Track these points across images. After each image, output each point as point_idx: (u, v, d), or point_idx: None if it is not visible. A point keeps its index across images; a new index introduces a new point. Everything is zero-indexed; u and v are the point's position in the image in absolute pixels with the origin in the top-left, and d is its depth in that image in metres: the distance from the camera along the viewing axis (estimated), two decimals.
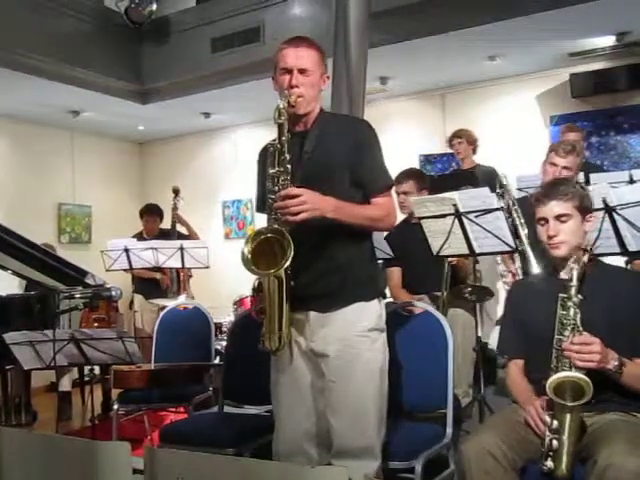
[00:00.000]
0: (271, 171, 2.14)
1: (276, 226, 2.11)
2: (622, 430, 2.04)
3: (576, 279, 2.12)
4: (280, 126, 2.13)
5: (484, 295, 3.81)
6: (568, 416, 2.02)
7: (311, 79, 2.24)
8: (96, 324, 4.81)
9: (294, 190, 2.07)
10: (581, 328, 2.09)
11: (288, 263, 2.04)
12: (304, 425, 2.28)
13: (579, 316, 2.10)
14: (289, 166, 2.12)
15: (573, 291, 2.11)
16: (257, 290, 2.25)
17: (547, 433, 2.06)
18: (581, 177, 3.72)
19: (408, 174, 4.04)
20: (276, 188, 2.11)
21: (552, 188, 2.33)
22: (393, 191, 2.39)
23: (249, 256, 2.08)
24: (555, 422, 2.04)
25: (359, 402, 2.20)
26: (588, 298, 2.17)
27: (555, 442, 2.03)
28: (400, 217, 4.09)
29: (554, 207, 2.26)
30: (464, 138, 5.40)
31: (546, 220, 2.29)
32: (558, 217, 2.26)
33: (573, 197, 2.26)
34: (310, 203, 2.06)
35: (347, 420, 2.19)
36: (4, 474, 1.56)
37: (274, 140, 2.16)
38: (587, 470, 1.98)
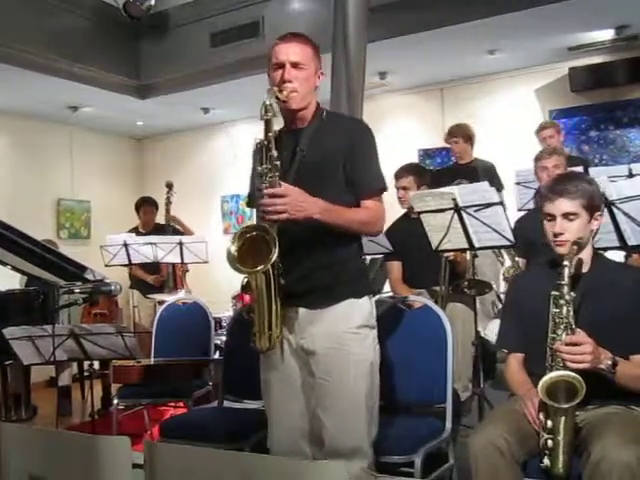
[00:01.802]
0: (259, 168, 2.11)
1: (261, 223, 2.08)
2: (615, 423, 2.04)
3: (567, 277, 2.10)
4: (267, 122, 2.10)
5: (483, 289, 3.81)
6: (562, 419, 2.01)
7: (305, 73, 2.20)
8: (99, 317, 4.82)
9: (279, 190, 2.03)
10: (574, 326, 2.07)
11: (273, 260, 2.01)
12: (298, 423, 2.26)
13: (572, 314, 2.08)
14: (277, 163, 2.08)
15: (565, 289, 2.09)
16: (245, 289, 2.24)
17: (542, 433, 2.06)
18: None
19: (407, 169, 4.01)
20: (263, 185, 2.08)
21: (561, 184, 2.27)
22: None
23: (235, 255, 2.04)
24: (549, 422, 2.03)
25: (350, 400, 2.17)
26: (588, 294, 2.16)
27: (550, 442, 2.02)
28: (400, 212, 4.09)
29: (562, 205, 2.22)
30: (459, 137, 5.23)
31: (553, 217, 2.24)
32: (565, 215, 2.22)
33: (582, 195, 2.21)
34: (295, 204, 2.02)
35: (338, 419, 2.16)
36: (4, 469, 1.56)
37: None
38: (581, 463, 1.98)
